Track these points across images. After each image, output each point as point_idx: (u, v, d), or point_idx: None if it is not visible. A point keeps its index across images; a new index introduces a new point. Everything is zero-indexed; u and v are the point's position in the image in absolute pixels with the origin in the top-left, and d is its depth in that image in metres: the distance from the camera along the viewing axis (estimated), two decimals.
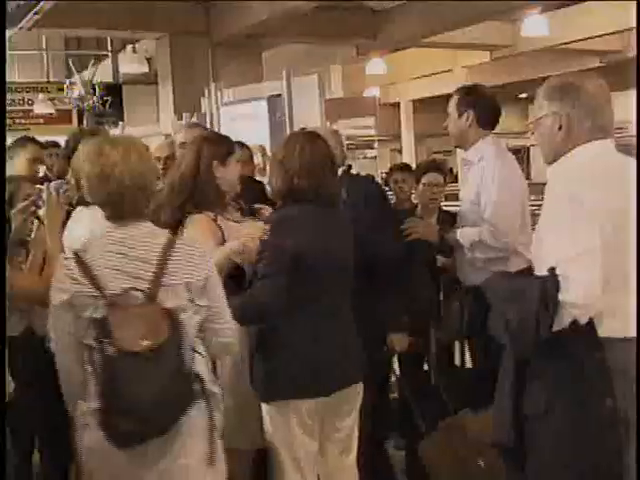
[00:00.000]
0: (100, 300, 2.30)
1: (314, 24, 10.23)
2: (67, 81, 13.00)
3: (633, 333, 2.30)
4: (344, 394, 3.00)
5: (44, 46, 13.97)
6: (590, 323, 2.26)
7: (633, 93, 17.55)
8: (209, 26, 10.05)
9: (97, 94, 12.24)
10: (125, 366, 2.24)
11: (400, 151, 19.20)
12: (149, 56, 11.96)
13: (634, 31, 9.35)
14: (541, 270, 2.31)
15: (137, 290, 2.30)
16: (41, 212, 3.04)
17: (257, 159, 5.25)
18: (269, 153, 5.51)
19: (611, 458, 2.29)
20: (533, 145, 13.55)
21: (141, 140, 2.70)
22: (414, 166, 5.33)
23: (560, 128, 2.41)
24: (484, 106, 3.73)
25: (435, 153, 20.04)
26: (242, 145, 4.21)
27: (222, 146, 3.24)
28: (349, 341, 3.03)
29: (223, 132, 6.95)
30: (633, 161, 2.44)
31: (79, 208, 3.23)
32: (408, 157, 17.73)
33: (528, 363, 2.38)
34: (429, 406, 3.74)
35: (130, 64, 12.32)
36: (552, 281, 2.22)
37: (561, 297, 2.20)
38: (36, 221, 3.07)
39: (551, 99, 2.44)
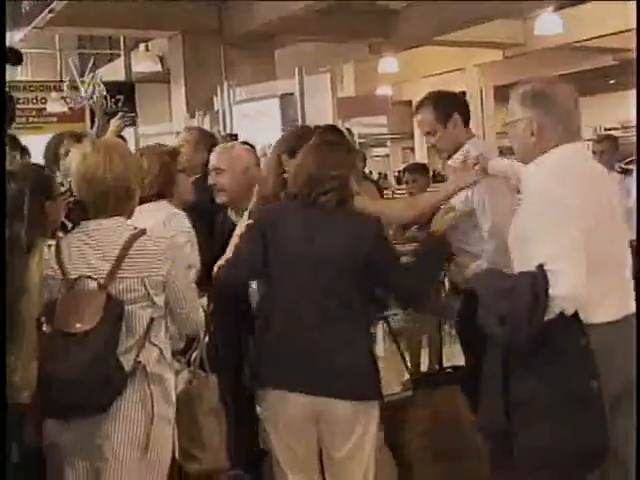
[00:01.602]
0: (62, 283, 2.54)
1: (326, 22, 10.22)
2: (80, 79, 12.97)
3: (611, 317, 2.47)
4: (341, 409, 2.80)
5: (57, 45, 14.02)
6: (575, 312, 2.39)
7: None
8: (221, 24, 10.06)
9: (100, 92, 12.16)
10: (58, 344, 2.45)
11: (412, 149, 19.17)
12: (162, 55, 11.99)
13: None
14: (524, 268, 2.42)
15: (90, 278, 2.51)
16: None
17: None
18: None
19: (598, 439, 2.41)
20: None
21: (124, 143, 2.90)
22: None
23: (532, 134, 2.51)
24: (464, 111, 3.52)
25: None
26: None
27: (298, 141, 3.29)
28: (350, 351, 2.82)
29: (235, 130, 6.98)
30: (597, 165, 2.69)
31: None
32: (420, 156, 17.70)
33: (515, 351, 2.47)
34: None
35: (143, 63, 12.35)
36: (541, 276, 2.33)
37: (551, 291, 2.32)
38: None
39: (524, 105, 2.53)
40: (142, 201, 2.86)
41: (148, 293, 2.56)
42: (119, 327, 2.49)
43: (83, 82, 13.06)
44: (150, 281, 2.56)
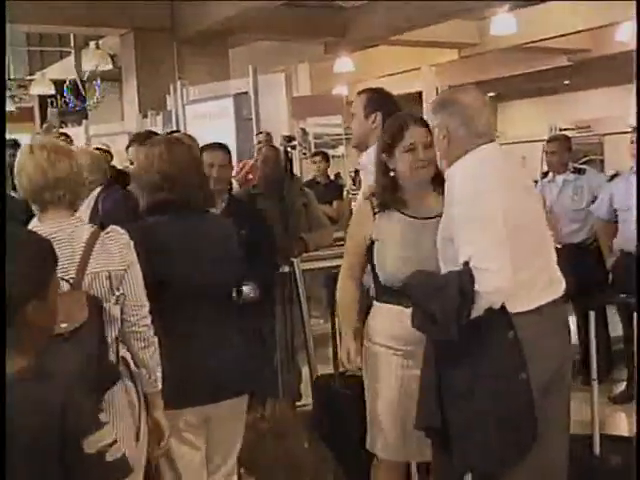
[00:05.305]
0: None
1: (282, 21, 10.12)
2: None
3: (537, 304, 2.59)
4: (218, 407, 2.89)
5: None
6: (502, 305, 2.50)
7: (599, 92, 17.52)
8: (174, 22, 9.90)
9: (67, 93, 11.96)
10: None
11: None
12: (113, 53, 11.77)
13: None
14: (451, 268, 2.55)
15: (62, 279, 2.42)
16: None
17: None
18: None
19: (527, 430, 2.54)
20: (502, 144, 13.54)
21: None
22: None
23: (444, 137, 2.69)
24: (390, 109, 3.49)
25: None
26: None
27: None
28: (228, 352, 2.90)
29: (189, 131, 6.86)
30: (514, 161, 2.95)
31: None
32: None
33: (448, 348, 2.57)
34: None
35: (94, 61, 12.08)
36: (467, 274, 2.44)
37: (477, 287, 2.42)
38: None
39: (434, 113, 2.75)
40: None
41: (112, 289, 2.55)
42: (102, 324, 2.50)
43: (32, 80, 12.82)
44: (114, 275, 2.55)
